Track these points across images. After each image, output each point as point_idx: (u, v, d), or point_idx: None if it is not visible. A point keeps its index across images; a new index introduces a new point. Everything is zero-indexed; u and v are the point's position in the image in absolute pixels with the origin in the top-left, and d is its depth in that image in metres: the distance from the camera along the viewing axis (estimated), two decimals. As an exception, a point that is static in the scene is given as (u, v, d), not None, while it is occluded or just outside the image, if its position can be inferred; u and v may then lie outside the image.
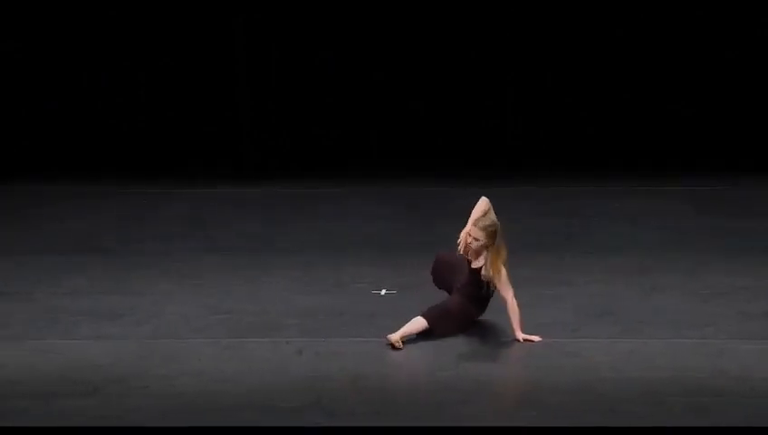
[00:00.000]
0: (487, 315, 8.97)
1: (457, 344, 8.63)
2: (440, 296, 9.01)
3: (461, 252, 8.78)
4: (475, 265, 8.69)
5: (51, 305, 9.52)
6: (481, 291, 8.70)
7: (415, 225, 12.27)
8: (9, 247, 11.28)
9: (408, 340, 8.65)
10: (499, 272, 8.53)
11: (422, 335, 8.66)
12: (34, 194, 13.61)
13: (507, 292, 8.57)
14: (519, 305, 8.61)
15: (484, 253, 8.63)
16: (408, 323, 8.65)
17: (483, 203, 8.82)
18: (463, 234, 8.77)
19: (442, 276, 9.03)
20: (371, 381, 7.95)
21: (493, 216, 8.69)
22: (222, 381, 7.91)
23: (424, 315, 8.67)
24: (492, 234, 8.55)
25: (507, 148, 15.84)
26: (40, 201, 13.22)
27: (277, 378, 7.96)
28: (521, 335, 8.56)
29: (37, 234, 11.83)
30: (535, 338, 8.59)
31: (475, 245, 8.61)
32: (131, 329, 8.96)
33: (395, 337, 8.53)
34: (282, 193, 13.83)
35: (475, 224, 8.63)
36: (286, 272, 10.40)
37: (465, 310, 8.73)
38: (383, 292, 9.87)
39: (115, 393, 7.69)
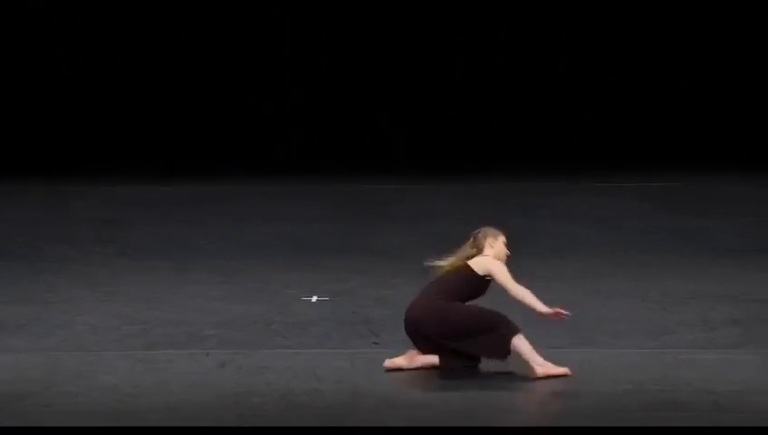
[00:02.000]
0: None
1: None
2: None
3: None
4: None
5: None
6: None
7: (347, 227, 12.12)
8: None
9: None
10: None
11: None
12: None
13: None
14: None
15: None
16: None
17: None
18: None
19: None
20: (302, 398, 7.47)
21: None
22: (136, 396, 7.50)
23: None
24: (491, 240, 8.06)
25: (450, 146, 15.95)
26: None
27: (197, 394, 7.57)
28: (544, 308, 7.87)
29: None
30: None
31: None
32: (35, 341, 8.57)
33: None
34: (201, 192, 13.71)
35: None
36: (207, 278, 10.15)
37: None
38: (314, 299, 9.49)
39: (15, 413, 7.25)
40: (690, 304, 9.21)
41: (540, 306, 7.86)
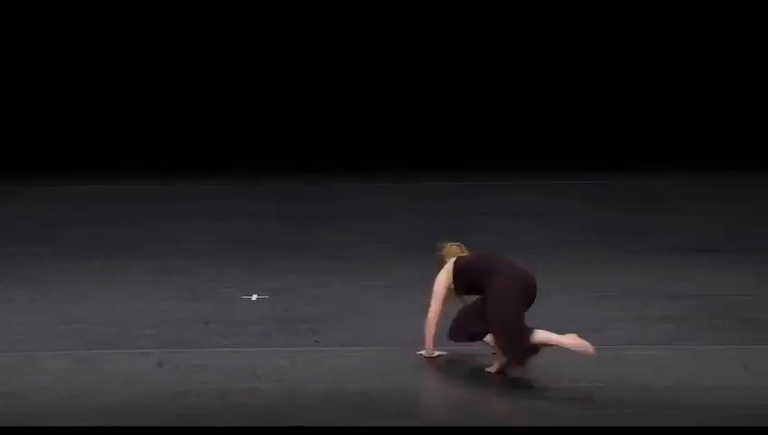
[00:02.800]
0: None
1: (331, 355, 8.16)
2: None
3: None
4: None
5: None
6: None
7: (286, 224, 12.03)
8: None
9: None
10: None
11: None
12: None
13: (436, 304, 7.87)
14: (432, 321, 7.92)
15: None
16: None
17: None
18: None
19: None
20: (241, 397, 7.39)
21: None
22: (72, 396, 7.40)
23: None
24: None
25: (387, 146, 15.92)
26: None
27: (134, 393, 7.47)
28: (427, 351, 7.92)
29: None
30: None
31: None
32: (-33, 342, 8.50)
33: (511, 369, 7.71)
34: (139, 190, 13.60)
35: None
36: (143, 276, 10.03)
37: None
38: (254, 297, 9.39)
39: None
40: (626, 300, 9.23)
41: (428, 342, 7.82)
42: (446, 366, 7.86)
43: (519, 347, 7.47)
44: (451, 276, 7.79)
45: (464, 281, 7.77)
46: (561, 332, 7.53)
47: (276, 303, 9.24)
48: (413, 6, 16.18)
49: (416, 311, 8.49)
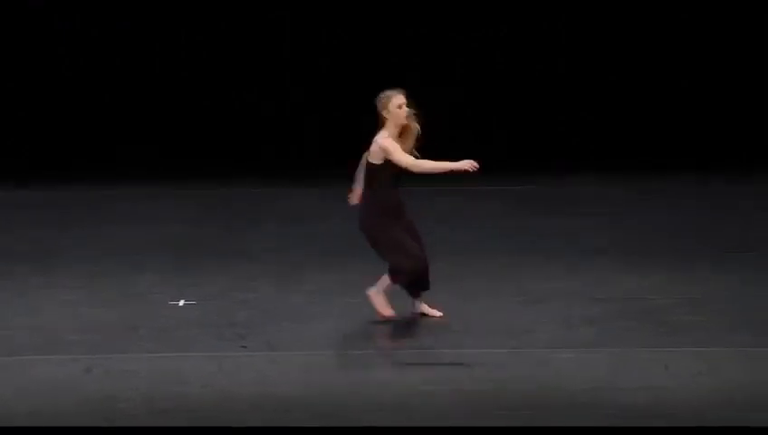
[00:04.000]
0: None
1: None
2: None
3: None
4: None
5: None
6: (380, 173, 8.42)
7: (214, 228, 11.99)
8: None
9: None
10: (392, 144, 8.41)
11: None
12: None
13: (406, 157, 8.39)
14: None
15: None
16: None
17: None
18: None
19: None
20: (168, 402, 7.40)
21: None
22: None
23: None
24: (384, 104, 8.48)
25: (305, 150, 15.83)
26: None
27: (62, 399, 7.45)
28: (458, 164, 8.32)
29: None
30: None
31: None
32: None
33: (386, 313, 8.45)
34: (65, 195, 13.48)
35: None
36: (72, 282, 9.95)
37: (378, 218, 8.47)
38: (182, 303, 9.39)
39: None
40: (550, 303, 9.31)
41: (449, 165, 8.23)
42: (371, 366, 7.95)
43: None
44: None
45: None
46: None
47: (203, 308, 9.20)
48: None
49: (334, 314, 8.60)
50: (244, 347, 8.34)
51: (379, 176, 8.42)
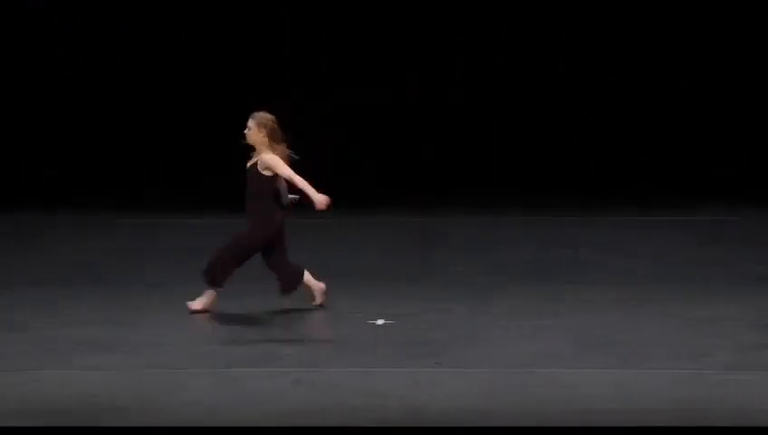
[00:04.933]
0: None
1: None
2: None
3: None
4: (253, 162, 9.45)
5: None
6: (264, 185, 9.40)
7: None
8: None
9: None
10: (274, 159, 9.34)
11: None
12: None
13: (286, 169, 9.36)
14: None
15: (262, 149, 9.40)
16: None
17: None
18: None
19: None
20: (372, 414, 7.56)
21: (269, 116, 9.47)
22: None
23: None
24: (261, 125, 9.36)
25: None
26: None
27: (270, 409, 7.64)
28: (318, 196, 9.30)
29: None
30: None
31: (248, 135, 9.38)
32: None
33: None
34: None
35: (251, 117, 9.43)
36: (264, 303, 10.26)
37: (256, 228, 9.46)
38: (380, 322, 9.72)
39: None
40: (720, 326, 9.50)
41: (310, 189, 9.26)
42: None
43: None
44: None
45: None
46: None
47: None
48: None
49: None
50: (439, 363, 8.62)
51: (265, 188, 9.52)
